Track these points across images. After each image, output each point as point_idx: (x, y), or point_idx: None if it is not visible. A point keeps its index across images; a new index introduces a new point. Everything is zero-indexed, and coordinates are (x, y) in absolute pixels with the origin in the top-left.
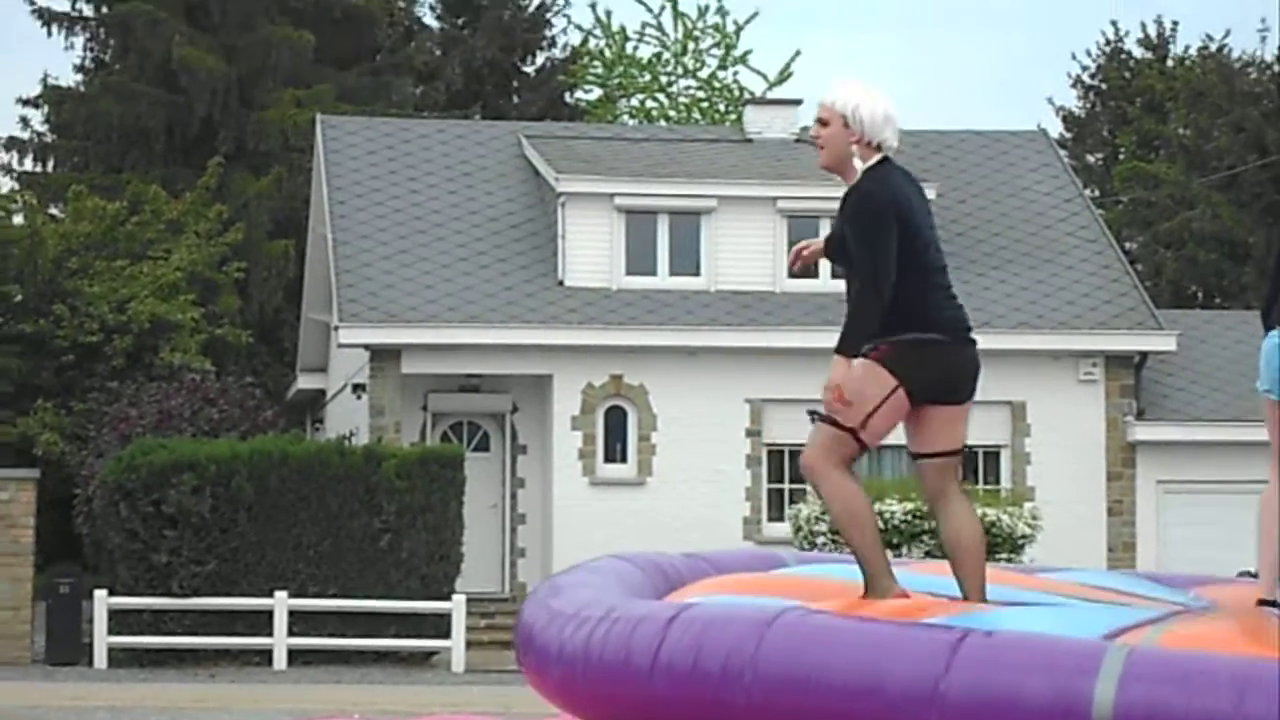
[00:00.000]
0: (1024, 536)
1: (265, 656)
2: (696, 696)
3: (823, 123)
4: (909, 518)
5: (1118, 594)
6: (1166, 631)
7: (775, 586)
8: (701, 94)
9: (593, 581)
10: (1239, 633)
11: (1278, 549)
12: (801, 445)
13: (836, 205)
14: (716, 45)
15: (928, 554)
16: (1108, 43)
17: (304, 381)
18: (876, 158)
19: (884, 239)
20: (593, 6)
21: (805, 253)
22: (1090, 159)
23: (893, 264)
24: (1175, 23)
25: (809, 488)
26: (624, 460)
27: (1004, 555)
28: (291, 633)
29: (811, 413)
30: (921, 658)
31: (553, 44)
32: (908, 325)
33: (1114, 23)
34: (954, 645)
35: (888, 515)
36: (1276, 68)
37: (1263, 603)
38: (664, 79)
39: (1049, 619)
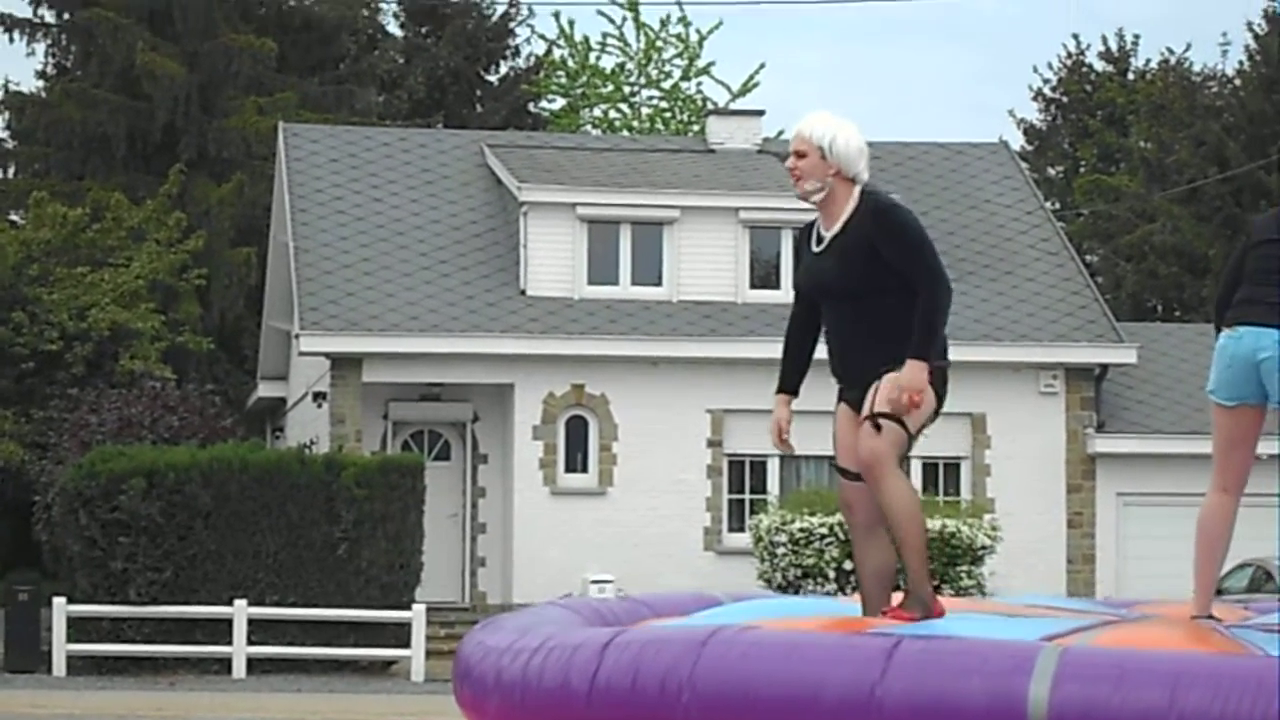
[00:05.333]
0: (984, 548)
1: (224, 665)
2: (636, 718)
3: (800, 154)
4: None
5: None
6: (1100, 634)
7: None
8: (664, 104)
9: (532, 621)
10: (1173, 633)
11: (1215, 568)
12: (761, 455)
13: (797, 217)
14: (679, 56)
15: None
16: (1069, 55)
17: (264, 389)
18: (856, 189)
19: (932, 244)
20: (556, 16)
21: (786, 430)
22: (1051, 171)
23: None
24: (1136, 36)
25: (770, 499)
26: (585, 470)
27: (964, 566)
28: (250, 641)
29: (875, 414)
30: (857, 665)
31: (516, 53)
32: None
33: (1075, 35)
34: (889, 651)
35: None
36: (1237, 81)
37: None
38: (627, 89)
39: (987, 627)
